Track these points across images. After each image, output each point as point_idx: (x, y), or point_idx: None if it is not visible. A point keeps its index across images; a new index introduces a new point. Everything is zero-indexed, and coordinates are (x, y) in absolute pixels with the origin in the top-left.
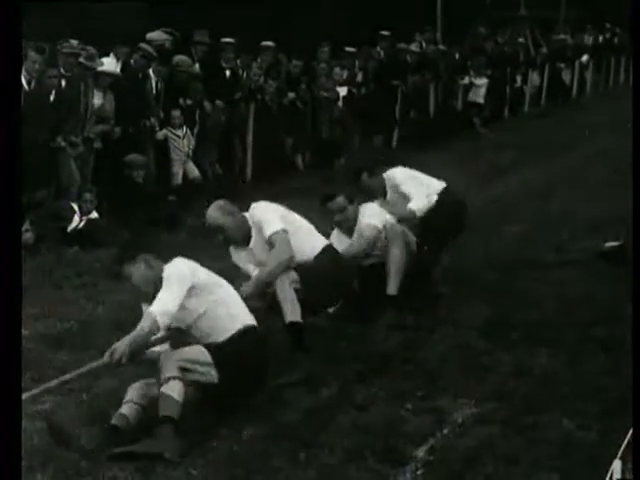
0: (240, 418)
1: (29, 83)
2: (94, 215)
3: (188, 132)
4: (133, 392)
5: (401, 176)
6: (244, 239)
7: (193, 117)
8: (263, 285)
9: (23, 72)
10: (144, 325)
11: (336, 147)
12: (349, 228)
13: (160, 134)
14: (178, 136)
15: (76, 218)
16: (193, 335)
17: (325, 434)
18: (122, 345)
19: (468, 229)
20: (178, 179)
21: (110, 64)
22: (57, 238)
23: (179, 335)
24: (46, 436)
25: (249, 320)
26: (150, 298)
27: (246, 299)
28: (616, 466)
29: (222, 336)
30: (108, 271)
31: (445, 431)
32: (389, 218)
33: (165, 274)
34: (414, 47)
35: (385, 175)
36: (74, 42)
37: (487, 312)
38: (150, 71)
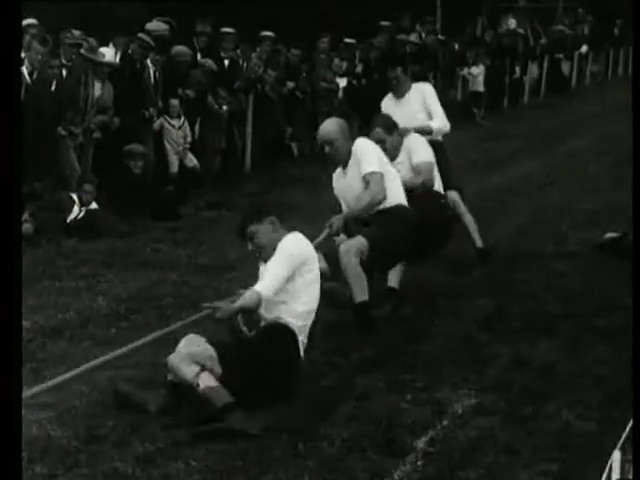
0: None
1: (31, 74)
2: (94, 206)
3: (185, 123)
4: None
5: (432, 91)
6: (344, 162)
7: (194, 107)
8: (352, 219)
9: (25, 63)
10: (248, 300)
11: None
12: (391, 158)
13: (156, 124)
14: (173, 126)
15: (75, 209)
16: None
17: (324, 425)
18: (227, 309)
19: None
20: (174, 168)
21: (109, 54)
22: (57, 229)
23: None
24: (45, 427)
25: (294, 322)
26: None
27: (334, 233)
28: (615, 457)
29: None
30: (107, 262)
31: (445, 422)
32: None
33: (279, 247)
34: (414, 38)
35: (419, 85)
36: (77, 32)
37: (487, 303)
38: (148, 61)
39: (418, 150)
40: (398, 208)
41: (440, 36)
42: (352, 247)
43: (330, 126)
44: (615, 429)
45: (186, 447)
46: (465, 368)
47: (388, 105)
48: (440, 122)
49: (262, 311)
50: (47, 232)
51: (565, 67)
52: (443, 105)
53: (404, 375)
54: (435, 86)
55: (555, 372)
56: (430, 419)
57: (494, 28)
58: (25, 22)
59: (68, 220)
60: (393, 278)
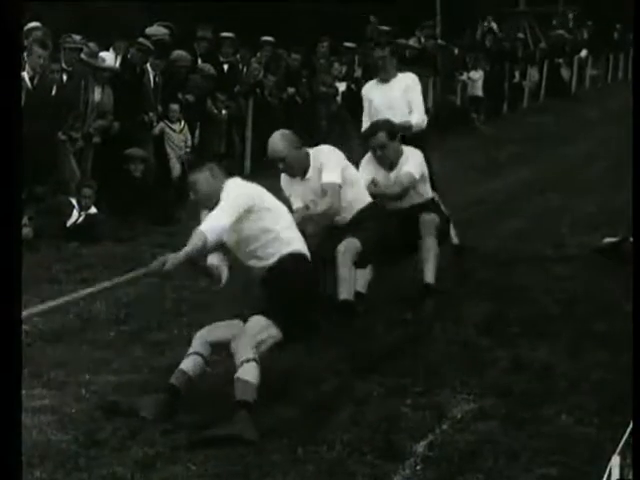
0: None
1: (32, 79)
2: (93, 210)
3: (185, 127)
4: (196, 342)
5: (416, 82)
6: (301, 172)
7: (194, 112)
8: (307, 222)
9: (27, 68)
10: (194, 241)
11: (334, 142)
12: (389, 164)
13: (157, 128)
14: (174, 130)
15: (75, 213)
16: (239, 256)
17: (324, 429)
18: (174, 257)
19: (467, 224)
20: (176, 172)
21: (109, 59)
22: (56, 233)
23: (226, 251)
24: (45, 431)
25: (298, 246)
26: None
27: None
28: (615, 461)
29: (270, 260)
30: (107, 266)
31: (444, 426)
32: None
33: (224, 192)
34: (413, 42)
35: (405, 74)
36: (77, 37)
37: (486, 307)
38: (148, 65)
39: (406, 164)
40: (371, 207)
41: (440, 40)
42: (349, 249)
43: (277, 143)
44: (614, 433)
45: (185, 451)
46: (464, 372)
47: (370, 89)
48: (419, 117)
49: (254, 262)
50: (47, 236)
51: (565, 71)
52: (442, 109)
53: (404, 379)
54: (434, 90)
55: (554, 376)
56: (430, 423)
57: (493, 32)
58: (28, 25)
59: (68, 224)
60: (429, 274)
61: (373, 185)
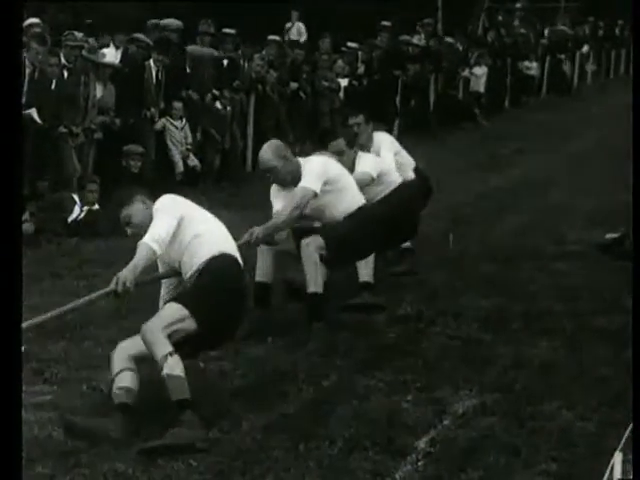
0: (240, 409)
1: (32, 73)
2: (95, 206)
3: (187, 125)
4: (118, 360)
5: (386, 140)
6: (292, 182)
7: (197, 108)
8: (272, 232)
9: (26, 61)
10: (140, 253)
11: (336, 137)
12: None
13: (158, 124)
14: (176, 127)
15: (76, 209)
16: (182, 271)
17: (325, 425)
18: (125, 272)
19: (468, 220)
20: (179, 168)
21: (110, 54)
22: (57, 229)
23: (176, 273)
24: (46, 427)
25: (226, 248)
26: None
27: (256, 241)
28: (617, 458)
29: (198, 264)
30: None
31: (446, 422)
32: (385, 167)
33: (154, 208)
34: (416, 39)
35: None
36: (78, 34)
37: (487, 303)
38: (151, 61)
39: (359, 165)
40: (360, 209)
41: (446, 37)
42: (312, 243)
43: (265, 155)
44: (615, 429)
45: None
46: (466, 368)
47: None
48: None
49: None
50: (48, 232)
51: (566, 67)
52: (445, 105)
53: (405, 375)
54: (436, 86)
55: (555, 372)
56: (431, 419)
57: (496, 28)
58: (27, 22)
59: (69, 220)
60: (364, 272)
61: None
